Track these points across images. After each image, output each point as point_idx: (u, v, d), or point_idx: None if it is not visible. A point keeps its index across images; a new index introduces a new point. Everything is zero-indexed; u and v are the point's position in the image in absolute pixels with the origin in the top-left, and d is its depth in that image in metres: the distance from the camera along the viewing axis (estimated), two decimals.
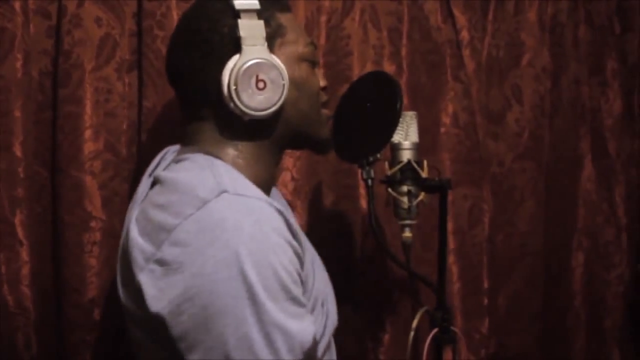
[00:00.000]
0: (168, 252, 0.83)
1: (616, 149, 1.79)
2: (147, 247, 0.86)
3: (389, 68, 1.55)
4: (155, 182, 0.96)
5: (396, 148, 1.29)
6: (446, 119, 1.62)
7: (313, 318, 0.93)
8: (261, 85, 0.94)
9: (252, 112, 0.95)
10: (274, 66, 0.95)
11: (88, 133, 1.34)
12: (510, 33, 1.67)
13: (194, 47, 0.98)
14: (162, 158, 1.07)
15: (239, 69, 0.93)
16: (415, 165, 1.28)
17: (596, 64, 1.77)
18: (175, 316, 0.82)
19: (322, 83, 1.10)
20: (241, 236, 0.82)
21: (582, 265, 1.80)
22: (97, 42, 1.33)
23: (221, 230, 0.82)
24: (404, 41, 1.57)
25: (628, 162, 1.81)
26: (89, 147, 1.34)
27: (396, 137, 1.28)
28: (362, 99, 1.21)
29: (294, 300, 0.86)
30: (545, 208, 1.73)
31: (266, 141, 1.02)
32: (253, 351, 0.80)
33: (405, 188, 1.28)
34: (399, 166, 1.28)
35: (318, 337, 0.99)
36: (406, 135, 1.29)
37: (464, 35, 1.62)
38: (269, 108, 0.96)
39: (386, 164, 1.30)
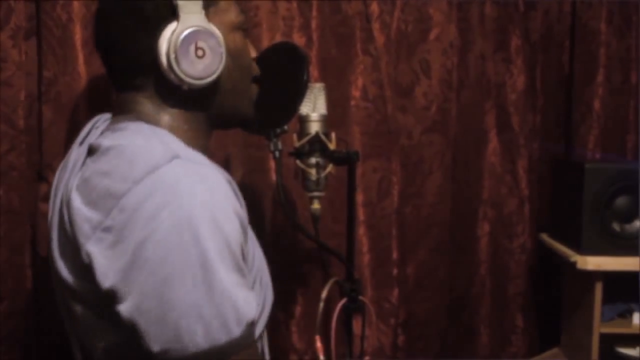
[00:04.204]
0: (118, 218, 0.79)
1: (519, 123, 1.86)
2: (94, 215, 0.81)
3: (298, 40, 1.55)
4: (91, 151, 0.91)
5: (304, 120, 1.29)
6: (356, 92, 1.63)
7: (254, 293, 0.91)
8: (200, 53, 0.91)
9: (192, 81, 0.92)
10: (213, 34, 0.93)
11: None
12: (418, 8, 1.69)
13: (127, 16, 0.94)
14: (93, 126, 1.00)
15: (178, 37, 0.90)
16: (323, 137, 1.29)
17: (501, 41, 1.83)
18: (126, 284, 0.79)
19: (253, 53, 1.07)
20: (195, 202, 0.80)
21: (487, 234, 1.87)
22: None
23: (174, 195, 0.79)
24: (314, 13, 1.57)
25: (530, 136, 1.88)
26: None
27: (304, 109, 1.28)
28: (269, 70, 1.19)
29: (242, 272, 0.85)
30: (452, 180, 1.78)
31: (201, 113, 0.99)
32: (203, 320, 0.78)
33: (313, 160, 1.29)
34: (306, 138, 1.28)
35: (259, 311, 0.98)
36: (314, 107, 1.29)
37: (374, 8, 1.63)
38: (209, 76, 0.93)
39: (294, 136, 1.30)
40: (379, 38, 1.65)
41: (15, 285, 1.33)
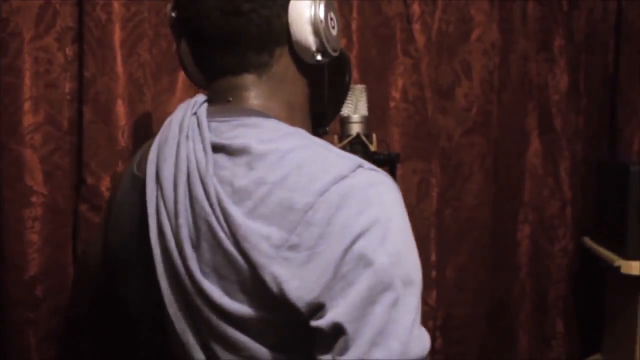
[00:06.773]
0: (305, 235, 0.72)
1: (562, 125, 1.83)
2: (273, 232, 0.73)
3: None
4: (230, 152, 0.79)
5: (345, 121, 1.28)
6: (396, 94, 1.62)
7: None
8: (332, 24, 0.83)
9: (333, 53, 0.83)
10: (335, 6, 0.86)
11: (27, 105, 1.29)
12: (460, 8, 1.67)
13: None
14: (195, 114, 0.84)
15: (320, 3, 0.82)
16: (364, 138, 1.28)
17: (544, 41, 1.80)
18: (330, 297, 0.72)
19: None
20: (388, 212, 0.75)
21: (528, 238, 1.84)
22: (36, 10, 1.29)
23: (366, 204, 0.74)
24: (355, 14, 1.56)
25: (573, 138, 1.85)
26: (28, 120, 1.30)
27: (345, 111, 1.28)
28: None
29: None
30: (493, 182, 1.76)
31: (310, 98, 0.91)
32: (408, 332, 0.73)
33: None
34: (348, 139, 1.27)
35: None
36: (355, 108, 1.28)
37: (415, 9, 1.62)
38: (338, 50, 0.84)
39: (335, 137, 1.30)
40: (420, 39, 1.63)
41: (58, 283, 1.36)
